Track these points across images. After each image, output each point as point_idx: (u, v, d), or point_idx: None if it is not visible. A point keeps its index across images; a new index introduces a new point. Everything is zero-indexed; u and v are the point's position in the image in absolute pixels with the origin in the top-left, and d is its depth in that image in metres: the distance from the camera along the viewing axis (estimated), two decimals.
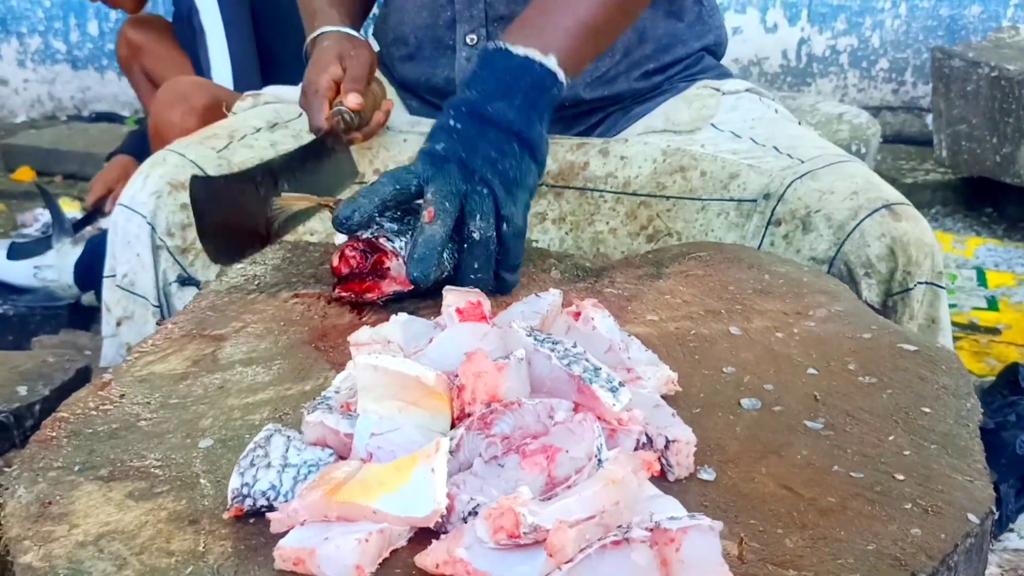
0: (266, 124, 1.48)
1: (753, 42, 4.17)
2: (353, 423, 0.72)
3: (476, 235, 0.98)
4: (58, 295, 2.38)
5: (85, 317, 2.35)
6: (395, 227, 1.00)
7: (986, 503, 0.72)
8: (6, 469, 0.78)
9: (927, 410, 0.82)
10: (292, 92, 1.52)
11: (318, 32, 1.39)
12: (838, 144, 2.75)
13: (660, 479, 0.72)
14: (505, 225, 1.00)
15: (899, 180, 3.48)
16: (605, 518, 0.61)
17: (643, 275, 1.09)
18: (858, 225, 1.20)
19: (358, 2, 1.50)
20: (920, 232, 1.20)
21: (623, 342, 0.83)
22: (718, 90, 1.46)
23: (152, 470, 0.75)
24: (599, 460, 0.67)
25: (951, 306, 2.55)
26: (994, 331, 2.44)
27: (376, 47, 1.48)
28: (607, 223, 1.38)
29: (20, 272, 2.45)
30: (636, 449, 0.72)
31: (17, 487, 0.73)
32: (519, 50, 1.05)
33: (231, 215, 1.07)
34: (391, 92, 1.51)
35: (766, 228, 1.28)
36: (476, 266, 1.00)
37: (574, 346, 0.76)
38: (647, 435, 0.73)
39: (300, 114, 1.47)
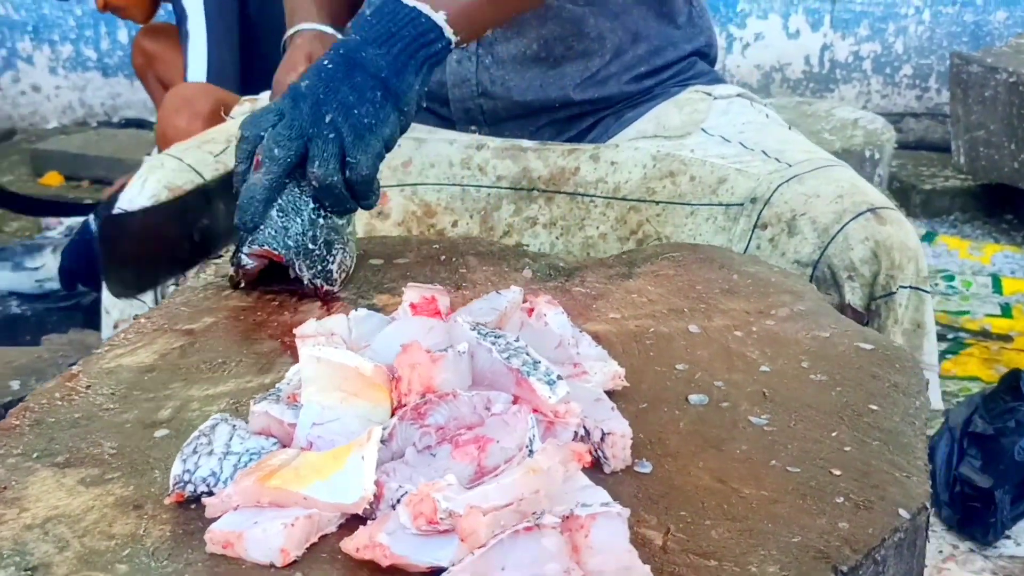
0: None
1: (775, 48, 4.16)
2: (297, 413, 0.74)
3: (315, 182, 1.01)
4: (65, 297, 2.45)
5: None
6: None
7: (920, 499, 0.72)
8: None
9: (874, 407, 0.83)
10: None
11: (294, 30, 1.41)
12: (852, 150, 2.77)
13: (596, 471, 0.73)
14: (349, 172, 1.01)
15: (918, 187, 3.45)
16: (523, 506, 0.62)
17: (614, 275, 1.10)
18: (842, 228, 1.20)
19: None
20: (904, 236, 1.20)
21: (573, 338, 0.85)
22: (709, 95, 1.47)
23: (106, 457, 0.77)
24: (530, 451, 0.68)
25: (963, 312, 2.53)
26: (1006, 338, 2.42)
27: None
28: (597, 228, 1.39)
29: (23, 281, 2.52)
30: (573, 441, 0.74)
31: None
32: (410, 1, 1.07)
33: (141, 248, 1.10)
34: None
35: (752, 231, 1.28)
36: (328, 204, 1.03)
37: (516, 340, 0.77)
38: (585, 428, 0.74)
39: None
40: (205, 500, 0.68)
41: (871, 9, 4.08)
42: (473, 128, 1.49)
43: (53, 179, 3.75)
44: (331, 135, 1.00)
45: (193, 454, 0.71)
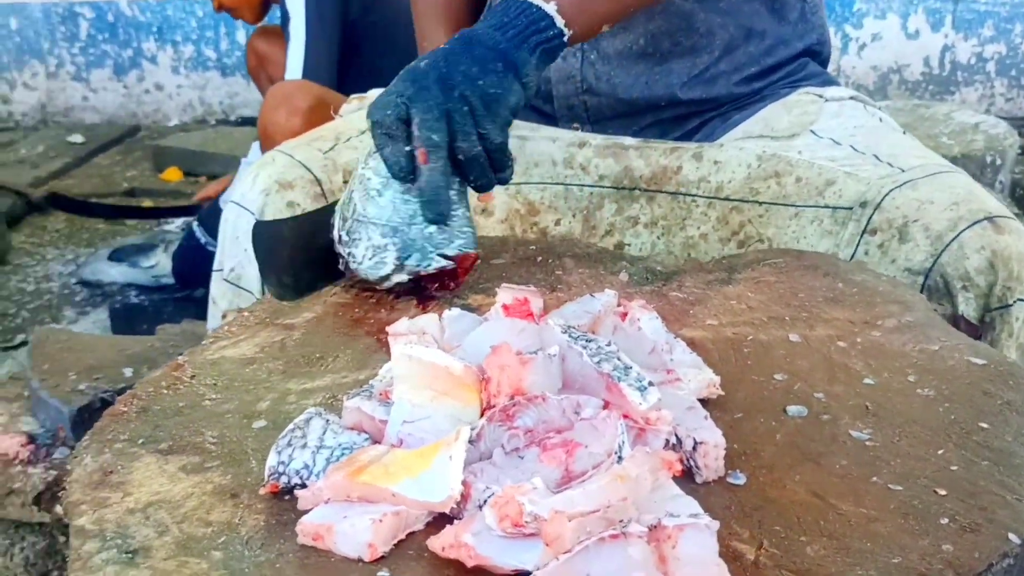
0: None
1: (893, 49, 4.03)
2: (389, 410, 0.75)
3: (462, 156, 1.01)
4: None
5: None
6: (376, 211, 1.03)
7: None
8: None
9: (985, 425, 0.79)
10: None
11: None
12: (972, 155, 2.66)
13: (687, 481, 0.72)
14: (483, 143, 1.01)
15: None
16: (610, 513, 0.61)
17: (713, 280, 1.08)
18: (957, 236, 1.16)
19: (466, 19, 1.54)
20: (1023, 246, 1.15)
21: (667, 344, 0.83)
22: (820, 96, 1.43)
23: (207, 446, 0.80)
24: (619, 457, 0.67)
25: None
26: None
27: None
28: (698, 228, 1.37)
29: (139, 276, 2.63)
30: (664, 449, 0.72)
31: (85, 456, 0.79)
32: None
33: (297, 255, 1.11)
34: None
35: (861, 236, 1.24)
36: (473, 178, 1.03)
37: (608, 344, 0.76)
38: (676, 436, 0.73)
39: None
40: (298, 492, 0.70)
41: (996, 9, 3.91)
42: (576, 126, 1.48)
43: (173, 175, 3.89)
44: (464, 108, 1.01)
45: (287, 446, 0.73)
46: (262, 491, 0.72)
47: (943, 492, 0.71)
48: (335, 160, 1.45)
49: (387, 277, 1.03)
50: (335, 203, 1.19)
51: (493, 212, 1.46)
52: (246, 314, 1.03)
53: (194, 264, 2.41)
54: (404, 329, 0.79)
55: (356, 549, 0.64)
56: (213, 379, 0.90)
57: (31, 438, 1.22)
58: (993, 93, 4.01)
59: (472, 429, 0.69)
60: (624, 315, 0.85)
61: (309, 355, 0.94)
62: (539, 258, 1.15)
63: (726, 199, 1.35)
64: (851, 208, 1.25)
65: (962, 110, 2.98)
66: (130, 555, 0.67)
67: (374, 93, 1.63)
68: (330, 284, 1.11)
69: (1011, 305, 1.15)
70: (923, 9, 3.98)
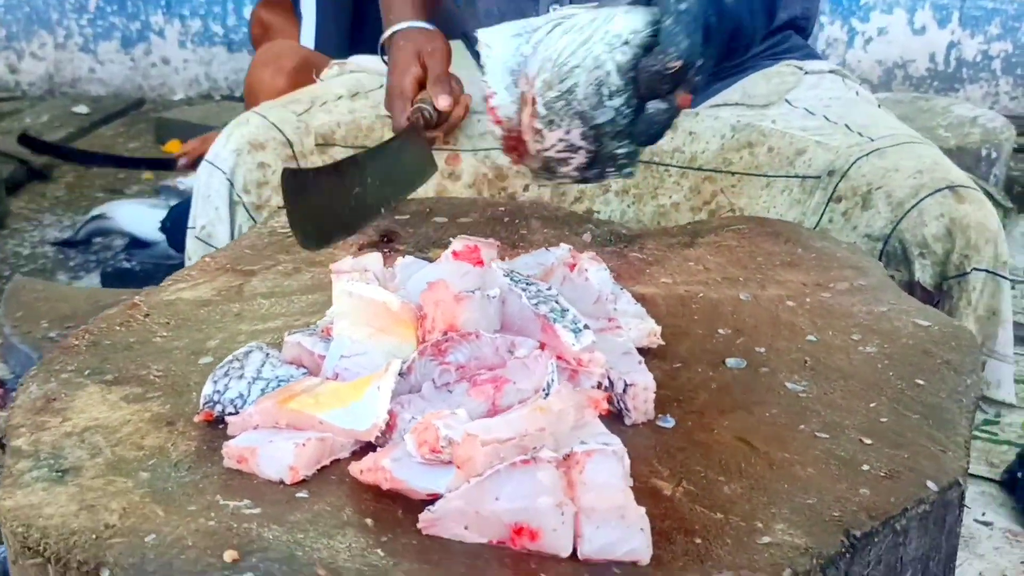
0: (347, 92, 1.53)
1: (899, 44, 4.02)
2: (328, 346, 0.76)
3: None
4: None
5: None
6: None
7: (953, 474, 0.69)
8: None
9: (921, 382, 0.80)
10: (377, 62, 1.58)
11: (394, 29, 1.43)
12: (967, 147, 2.65)
13: (616, 422, 0.73)
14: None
15: None
16: (525, 441, 0.62)
17: (675, 243, 1.08)
18: (917, 204, 1.16)
19: None
20: (983, 217, 1.15)
21: (612, 294, 0.84)
22: (800, 68, 1.43)
23: (151, 378, 0.81)
24: (546, 395, 0.68)
25: None
26: None
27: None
28: (670, 197, 1.37)
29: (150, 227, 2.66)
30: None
31: (31, 384, 0.80)
32: None
33: (318, 205, 1.11)
34: (473, 70, 1.55)
35: (827, 204, 1.25)
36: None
37: (548, 289, 0.77)
38: (609, 378, 0.74)
39: (381, 84, 1.52)
40: (228, 418, 0.71)
41: (1003, 7, 3.90)
42: None
43: (173, 147, 3.90)
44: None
45: (224, 376, 0.74)
46: (196, 419, 0.73)
47: (868, 441, 0.72)
48: (308, 123, 1.46)
49: (548, 171, 0.93)
50: (362, 153, 1.19)
51: (460, 176, 1.47)
52: (207, 260, 1.04)
53: (183, 227, 2.43)
54: (347, 267, 0.80)
55: (278, 472, 0.65)
56: (167, 318, 0.91)
57: (1, 383, 1.24)
58: (998, 91, 4.00)
59: (403, 363, 0.70)
60: (573, 266, 0.86)
61: (265, 299, 0.95)
62: (506, 219, 1.16)
63: (699, 169, 1.35)
64: (819, 177, 1.26)
65: (961, 104, 2.98)
66: (60, 474, 0.68)
67: (356, 60, 1.64)
68: (352, 234, 1.11)
69: (968, 274, 1.15)
70: (930, 5, 3.96)
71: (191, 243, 1.48)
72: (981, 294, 1.15)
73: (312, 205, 1.11)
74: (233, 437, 0.70)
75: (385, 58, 1.45)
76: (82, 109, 4.39)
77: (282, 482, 0.65)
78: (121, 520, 0.62)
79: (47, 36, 4.74)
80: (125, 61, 4.74)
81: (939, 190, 1.15)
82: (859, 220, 1.20)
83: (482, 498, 0.59)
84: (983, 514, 1.63)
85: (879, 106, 1.41)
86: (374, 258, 0.82)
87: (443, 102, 1.32)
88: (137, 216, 2.74)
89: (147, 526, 0.61)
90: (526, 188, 1.45)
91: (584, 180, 0.94)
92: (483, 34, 0.97)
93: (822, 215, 1.24)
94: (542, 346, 0.74)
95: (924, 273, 1.15)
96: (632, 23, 0.89)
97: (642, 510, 0.60)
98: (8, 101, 4.62)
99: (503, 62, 0.93)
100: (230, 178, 1.42)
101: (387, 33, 1.44)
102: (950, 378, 0.81)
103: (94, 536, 0.61)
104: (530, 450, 0.61)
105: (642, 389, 0.72)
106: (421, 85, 1.35)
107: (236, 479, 0.66)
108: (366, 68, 1.60)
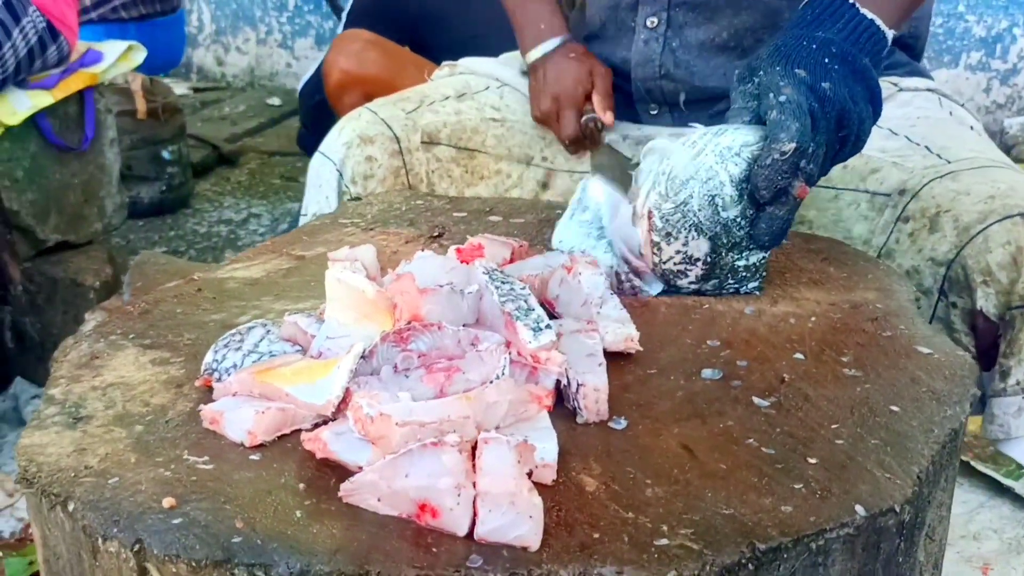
0: (455, 93, 1.61)
1: None
2: (320, 327, 0.83)
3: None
4: None
5: None
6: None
7: (892, 502, 0.69)
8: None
9: (895, 409, 0.79)
10: (485, 65, 1.65)
11: (562, 40, 1.50)
12: None
13: (569, 419, 0.76)
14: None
15: None
16: (446, 426, 0.67)
17: None
18: (984, 229, 1.12)
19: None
20: None
21: (601, 298, 0.87)
22: (895, 85, 1.40)
23: (181, 345, 0.91)
24: None
25: None
26: None
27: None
28: None
29: None
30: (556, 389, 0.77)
31: (83, 343, 0.92)
32: (868, 15, 1.05)
33: None
34: None
35: (895, 224, 1.22)
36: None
37: (523, 289, 0.81)
38: (567, 377, 0.77)
39: (487, 86, 1.60)
40: (214, 384, 0.79)
41: None
42: (653, 107, 1.51)
43: None
44: (836, 146, 0.99)
45: (224, 347, 0.82)
46: (197, 384, 0.82)
47: (813, 461, 0.72)
48: (416, 121, 1.54)
49: (666, 283, 0.97)
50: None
51: (552, 188, 1.52)
52: (268, 243, 1.14)
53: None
54: (342, 256, 0.87)
55: (239, 435, 0.73)
56: (215, 294, 1.01)
57: None
58: None
59: (366, 347, 0.76)
60: (570, 269, 0.89)
61: (306, 282, 1.03)
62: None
63: None
64: (890, 195, 1.23)
65: None
66: (75, 421, 0.78)
67: (465, 62, 1.72)
68: None
69: None
70: None
71: None
72: None
73: None
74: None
75: (528, 64, 1.53)
76: (275, 101, 4.71)
77: (242, 444, 0.73)
78: (99, 463, 0.71)
79: (251, 32, 5.10)
80: (318, 58, 5.02)
81: (1009, 216, 1.10)
82: (925, 243, 1.17)
83: (394, 474, 0.64)
84: None
85: (972, 128, 1.36)
86: (366, 249, 0.88)
87: (610, 118, 1.44)
88: None
89: (116, 470, 0.70)
90: None
91: (701, 292, 0.97)
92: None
93: (889, 234, 1.21)
94: (509, 343, 0.78)
95: (987, 302, 1.11)
96: (743, 137, 0.95)
97: (536, 499, 0.63)
98: (213, 91, 5.01)
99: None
100: (339, 169, 1.53)
101: (553, 43, 1.51)
102: (928, 407, 0.79)
103: (73, 474, 0.70)
104: (446, 435, 0.66)
105: (592, 390, 0.75)
106: (587, 98, 1.46)
107: (208, 439, 0.74)
108: (475, 70, 1.67)
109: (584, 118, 1.44)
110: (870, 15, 1.05)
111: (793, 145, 0.91)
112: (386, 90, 2.31)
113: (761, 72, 0.98)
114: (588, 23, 1.56)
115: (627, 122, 1.51)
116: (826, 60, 0.99)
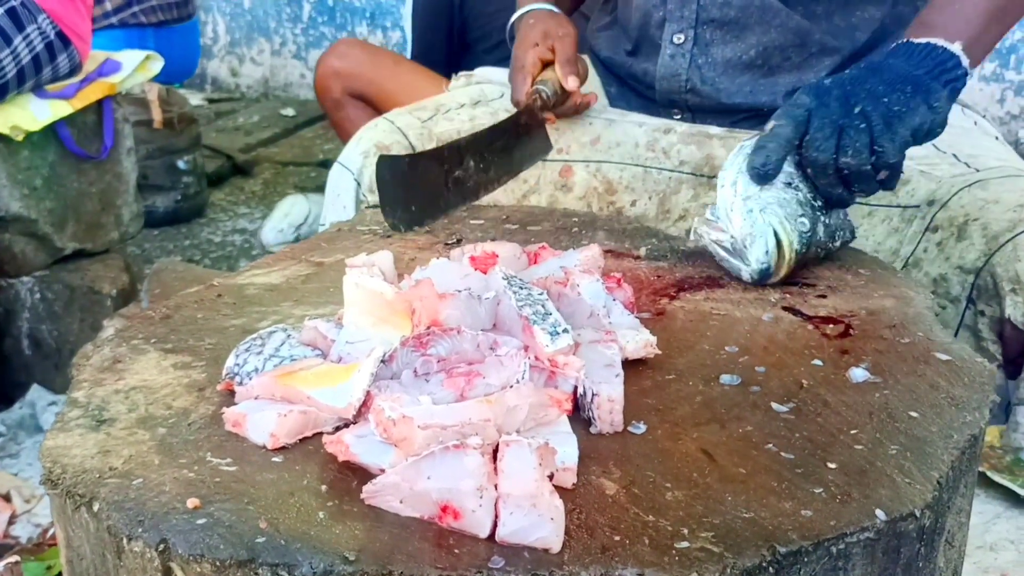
0: (470, 101, 1.63)
1: None
2: (339, 332, 0.83)
3: (846, 171, 1.01)
4: None
5: None
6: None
7: (913, 506, 0.69)
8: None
9: (915, 415, 0.79)
10: (501, 74, 1.66)
11: (525, 10, 1.51)
12: None
13: (587, 425, 0.76)
14: (875, 159, 1.00)
15: None
16: (467, 429, 0.67)
17: None
18: (1014, 237, 1.12)
19: None
20: None
21: (605, 307, 0.87)
22: None
23: (202, 350, 0.91)
24: None
25: None
26: None
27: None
28: None
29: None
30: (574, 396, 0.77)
31: (105, 347, 0.93)
32: (921, 41, 1.07)
33: (411, 190, 1.20)
34: (593, 78, 1.60)
35: (923, 234, 1.22)
36: (856, 189, 1.04)
37: (541, 294, 0.82)
38: (583, 387, 0.77)
39: (502, 94, 1.61)
40: (236, 387, 0.80)
41: None
42: (676, 112, 1.52)
43: None
44: (862, 125, 1.01)
45: (245, 352, 0.83)
46: (218, 387, 0.83)
47: (833, 465, 0.72)
48: (431, 129, 1.55)
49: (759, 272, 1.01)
50: (451, 144, 1.27)
51: (572, 188, 1.52)
52: (287, 250, 1.14)
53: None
54: (360, 262, 0.88)
55: (261, 437, 0.73)
56: (234, 300, 1.02)
57: None
58: None
59: (386, 351, 0.77)
60: (565, 283, 0.88)
61: (325, 288, 1.04)
62: (575, 229, 1.20)
63: None
64: (919, 206, 1.23)
65: None
66: (98, 423, 0.79)
67: (481, 72, 1.73)
68: (445, 216, 1.20)
69: None
70: None
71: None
72: None
73: (404, 189, 1.19)
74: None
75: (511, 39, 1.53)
76: (289, 112, 4.73)
77: (264, 447, 0.73)
78: (124, 465, 0.72)
79: (265, 43, 5.14)
80: None
81: None
82: (952, 251, 1.17)
83: (416, 476, 0.65)
84: None
85: (997, 138, 1.36)
86: (383, 255, 0.89)
87: (572, 83, 1.40)
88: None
89: (140, 472, 0.71)
90: (633, 203, 1.49)
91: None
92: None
93: (917, 244, 1.22)
94: (527, 348, 0.79)
95: (1015, 310, 1.11)
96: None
97: (558, 501, 0.64)
98: (227, 102, 5.04)
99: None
100: (357, 178, 1.54)
101: (518, 13, 1.52)
102: (948, 413, 0.79)
103: (97, 475, 0.71)
104: (468, 437, 0.67)
105: (606, 400, 0.75)
106: (544, 65, 1.43)
107: (231, 441, 0.75)
108: (491, 79, 1.69)
109: (533, 87, 1.39)
110: (924, 40, 1.05)
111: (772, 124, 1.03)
112: (366, 86, 2.42)
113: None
114: (627, 38, 1.56)
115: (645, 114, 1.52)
116: (851, 70, 1.01)
